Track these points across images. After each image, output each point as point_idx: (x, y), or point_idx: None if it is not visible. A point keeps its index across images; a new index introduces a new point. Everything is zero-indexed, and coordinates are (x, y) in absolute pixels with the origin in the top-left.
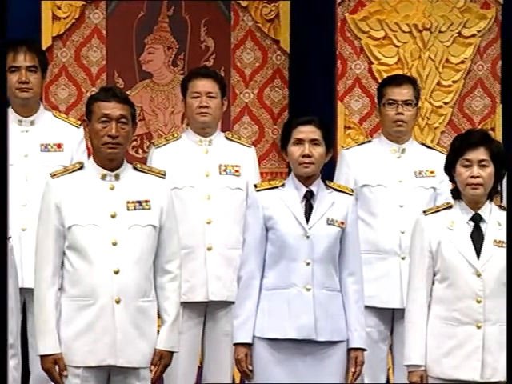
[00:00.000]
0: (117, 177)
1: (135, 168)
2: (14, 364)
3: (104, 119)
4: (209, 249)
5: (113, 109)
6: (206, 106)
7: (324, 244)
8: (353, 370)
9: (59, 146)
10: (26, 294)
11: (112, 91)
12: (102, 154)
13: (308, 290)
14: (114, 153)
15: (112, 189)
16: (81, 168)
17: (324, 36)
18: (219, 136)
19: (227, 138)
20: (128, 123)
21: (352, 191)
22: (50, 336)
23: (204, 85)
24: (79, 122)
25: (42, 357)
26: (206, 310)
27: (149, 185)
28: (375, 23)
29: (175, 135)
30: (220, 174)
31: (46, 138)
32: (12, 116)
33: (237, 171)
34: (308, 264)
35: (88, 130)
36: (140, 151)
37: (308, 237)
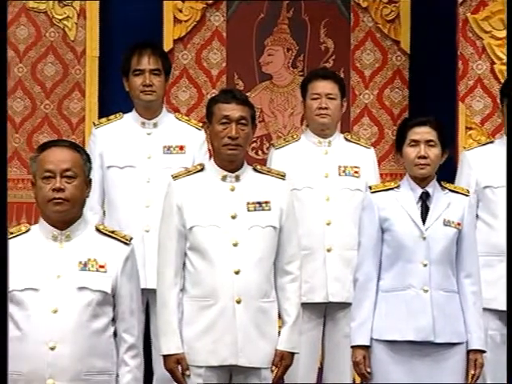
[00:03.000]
0: (237, 178)
1: (255, 169)
2: (136, 364)
3: (224, 121)
4: (328, 250)
5: (232, 110)
6: (326, 108)
7: (441, 245)
8: (472, 372)
9: (181, 148)
10: (149, 294)
11: (232, 93)
12: (223, 156)
13: (425, 291)
14: (234, 154)
15: (232, 190)
16: (202, 169)
17: (445, 36)
18: (338, 137)
19: (346, 139)
20: (248, 124)
21: (468, 192)
22: (172, 336)
23: (324, 86)
24: (201, 124)
25: (165, 357)
26: (325, 311)
27: (269, 186)
28: (497, 23)
29: (294, 136)
30: (339, 175)
31: (169, 140)
32: (135, 118)
33: (356, 172)
34: (425, 265)
35: (209, 131)
36: (260, 153)
37: (425, 238)
